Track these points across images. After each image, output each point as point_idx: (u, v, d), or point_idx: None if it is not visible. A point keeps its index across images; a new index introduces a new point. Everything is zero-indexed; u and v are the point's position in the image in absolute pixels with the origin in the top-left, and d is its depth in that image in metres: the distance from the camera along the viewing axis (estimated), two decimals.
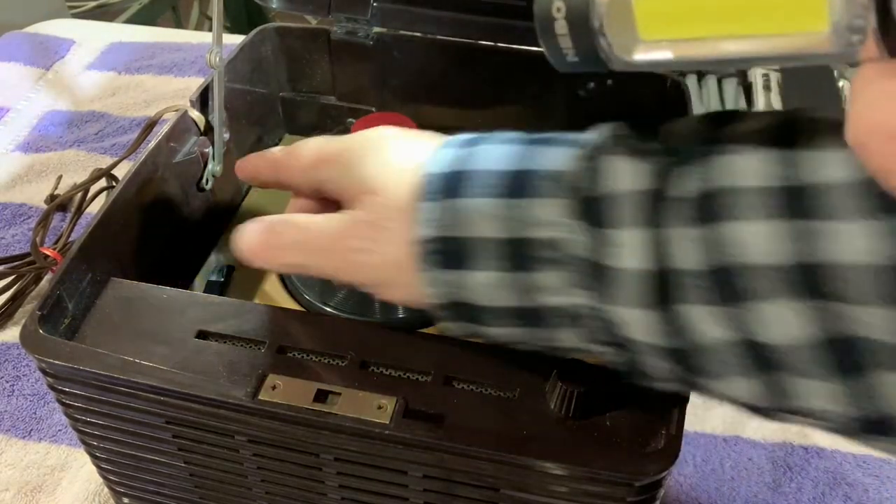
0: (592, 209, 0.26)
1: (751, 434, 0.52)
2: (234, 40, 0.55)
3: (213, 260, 0.48)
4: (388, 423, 0.32)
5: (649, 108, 0.52)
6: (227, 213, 0.52)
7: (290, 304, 0.44)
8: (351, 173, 0.32)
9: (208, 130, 0.48)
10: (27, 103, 0.80)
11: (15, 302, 0.57)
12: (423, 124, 0.50)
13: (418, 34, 0.54)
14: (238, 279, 0.47)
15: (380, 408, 0.32)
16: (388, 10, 0.53)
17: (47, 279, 0.59)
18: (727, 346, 0.25)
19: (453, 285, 0.28)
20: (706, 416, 0.53)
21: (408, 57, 0.55)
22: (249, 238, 0.34)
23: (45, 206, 0.65)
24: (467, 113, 0.57)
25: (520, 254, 0.27)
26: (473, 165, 0.28)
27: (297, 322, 0.37)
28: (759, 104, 1.18)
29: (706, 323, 0.25)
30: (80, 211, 0.62)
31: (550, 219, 0.27)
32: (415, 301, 0.31)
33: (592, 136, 0.28)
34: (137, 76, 0.84)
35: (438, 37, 0.54)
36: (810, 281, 0.23)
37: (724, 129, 0.27)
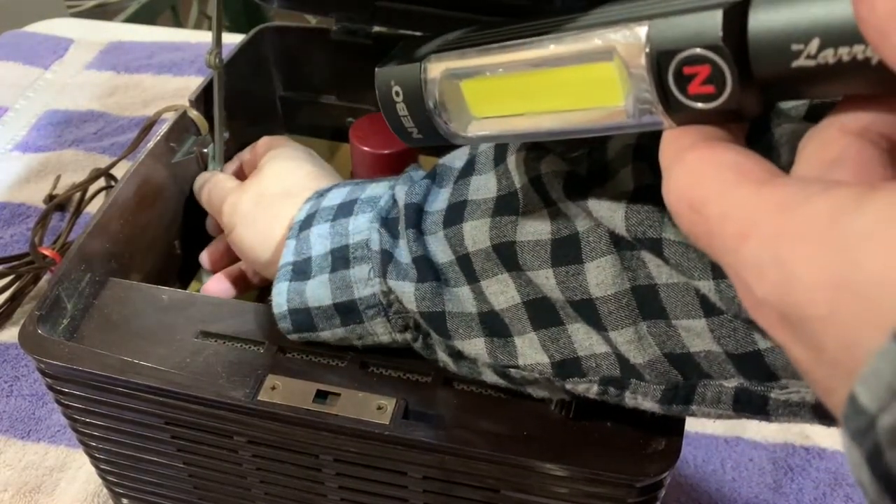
0: (388, 221, 0.35)
1: (752, 435, 0.52)
2: (234, 40, 0.55)
3: None
4: (387, 423, 0.32)
5: None
6: None
7: None
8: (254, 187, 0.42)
9: (208, 130, 0.48)
10: (26, 103, 0.80)
11: (13, 302, 0.57)
12: None
13: (418, 34, 0.54)
14: None
15: (379, 408, 0.32)
16: (388, 9, 0.53)
17: (46, 279, 0.59)
18: (474, 315, 0.32)
19: (295, 292, 0.35)
20: None
21: None
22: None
23: (43, 206, 0.64)
24: None
25: (341, 256, 0.35)
26: (320, 206, 0.37)
27: None
28: None
29: (460, 297, 0.32)
30: (78, 211, 0.62)
31: (364, 226, 0.35)
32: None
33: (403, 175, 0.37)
34: (136, 75, 0.83)
35: None
36: (509, 257, 0.31)
37: (477, 154, 0.34)
